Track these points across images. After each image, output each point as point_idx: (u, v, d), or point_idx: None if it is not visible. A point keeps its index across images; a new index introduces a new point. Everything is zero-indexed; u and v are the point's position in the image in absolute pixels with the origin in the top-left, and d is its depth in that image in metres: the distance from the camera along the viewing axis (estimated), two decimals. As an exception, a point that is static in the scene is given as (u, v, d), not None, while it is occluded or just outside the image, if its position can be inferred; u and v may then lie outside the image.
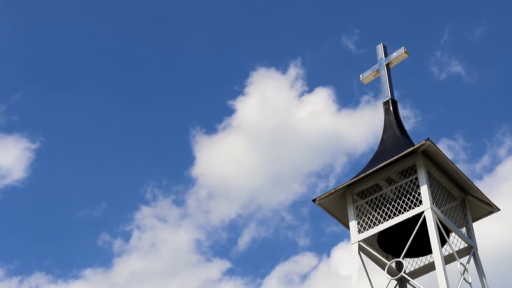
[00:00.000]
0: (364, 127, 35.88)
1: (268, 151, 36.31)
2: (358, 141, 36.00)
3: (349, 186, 15.63)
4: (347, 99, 37.53)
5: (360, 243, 15.17)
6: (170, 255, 36.75)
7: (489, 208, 15.82)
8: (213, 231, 36.58)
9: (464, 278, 14.59)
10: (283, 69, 37.64)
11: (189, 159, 37.02)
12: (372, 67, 17.51)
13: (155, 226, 36.93)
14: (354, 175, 15.60)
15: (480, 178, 35.40)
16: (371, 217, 15.29)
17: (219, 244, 36.65)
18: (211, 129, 38.85)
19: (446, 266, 14.35)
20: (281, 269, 36.00)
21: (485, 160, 36.10)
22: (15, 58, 37.62)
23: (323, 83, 37.04)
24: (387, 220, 15.07)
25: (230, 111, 37.22)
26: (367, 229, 15.20)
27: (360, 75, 17.75)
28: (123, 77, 37.53)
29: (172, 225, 37.26)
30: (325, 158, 35.54)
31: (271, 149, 36.17)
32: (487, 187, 34.45)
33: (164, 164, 37.86)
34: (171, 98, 37.70)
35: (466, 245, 15.34)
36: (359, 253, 15.13)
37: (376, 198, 15.47)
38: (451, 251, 15.17)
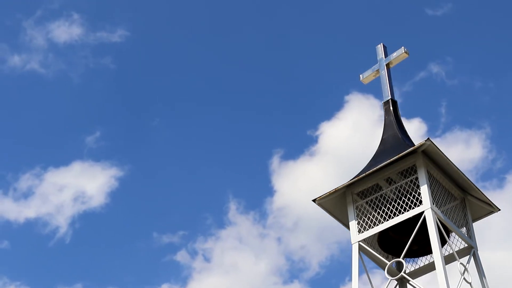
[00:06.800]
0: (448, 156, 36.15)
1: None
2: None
3: (349, 186, 15.63)
4: (434, 128, 37.32)
5: (360, 243, 15.17)
6: (247, 275, 37.06)
7: (489, 208, 15.82)
8: (291, 254, 36.89)
9: (464, 278, 14.59)
10: (380, 97, 37.49)
11: (271, 183, 37.25)
12: (372, 67, 17.51)
13: (236, 247, 37.35)
14: (354, 175, 15.61)
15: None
16: (371, 217, 15.29)
17: (296, 267, 36.85)
18: (295, 155, 39.24)
19: (446, 266, 14.35)
20: None
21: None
22: (114, 87, 38.05)
23: (415, 113, 36.89)
24: (387, 220, 15.08)
25: (316, 138, 37.10)
26: (367, 229, 15.21)
27: (360, 75, 17.75)
28: (210, 103, 37.79)
29: (252, 247, 37.75)
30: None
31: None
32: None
33: (247, 186, 38.25)
34: (259, 119, 37.70)
35: (466, 245, 15.34)
36: (359, 253, 15.13)
37: (376, 198, 15.47)
38: (451, 251, 15.17)
